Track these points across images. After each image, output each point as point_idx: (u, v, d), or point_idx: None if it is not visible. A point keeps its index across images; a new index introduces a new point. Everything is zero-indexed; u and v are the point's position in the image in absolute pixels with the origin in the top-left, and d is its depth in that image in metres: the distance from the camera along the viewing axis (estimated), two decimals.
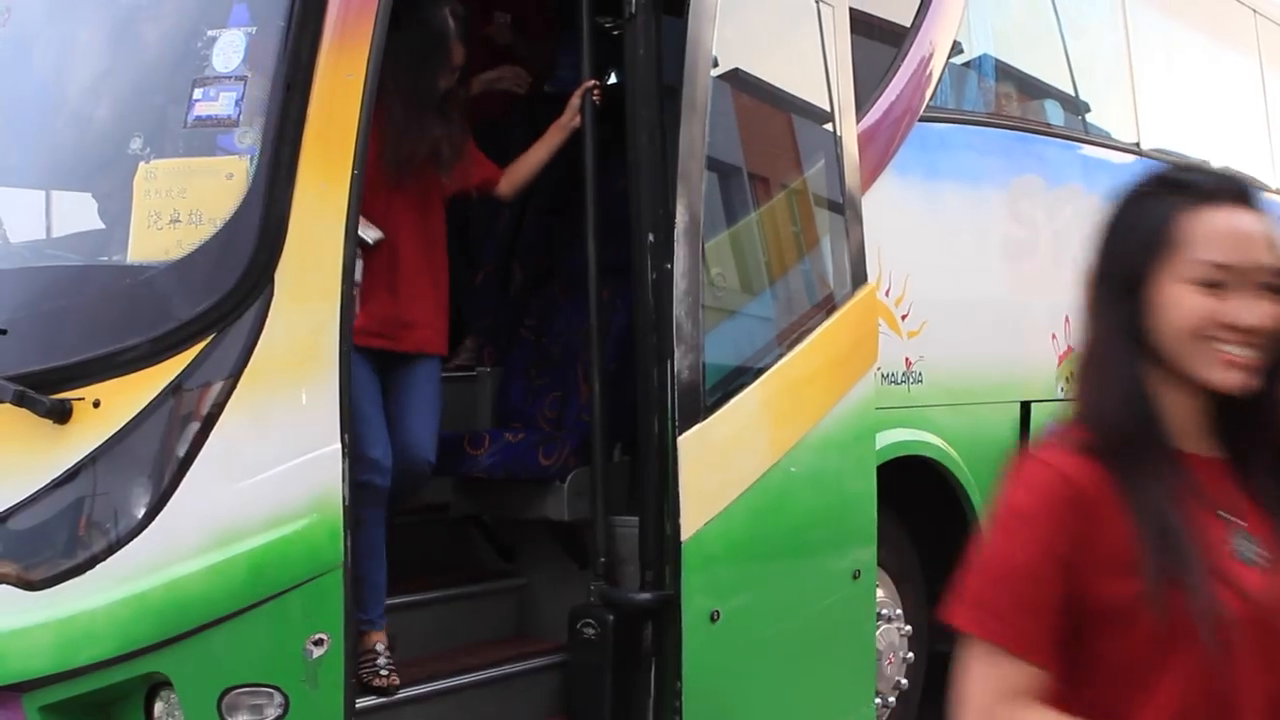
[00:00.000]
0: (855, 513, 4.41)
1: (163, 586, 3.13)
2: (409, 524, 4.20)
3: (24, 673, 3.21)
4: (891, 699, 4.84)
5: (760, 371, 4.10)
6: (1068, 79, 6.09)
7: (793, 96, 4.42)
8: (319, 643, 3.18)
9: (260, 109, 3.24)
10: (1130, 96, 6.43)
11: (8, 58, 3.93)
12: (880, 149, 4.77)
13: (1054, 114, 6.02)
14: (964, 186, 5.26)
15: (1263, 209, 1.74)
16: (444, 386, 4.17)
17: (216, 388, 3.18)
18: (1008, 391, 5.38)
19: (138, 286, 3.28)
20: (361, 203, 3.65)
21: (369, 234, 3.70)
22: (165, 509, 3.15)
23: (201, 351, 3.19)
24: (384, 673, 3.67)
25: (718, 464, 3.94)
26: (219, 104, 3.28)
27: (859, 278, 4.44)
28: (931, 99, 5.08)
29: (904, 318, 4.81)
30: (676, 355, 3.80)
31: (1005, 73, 5.74)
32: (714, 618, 3.89)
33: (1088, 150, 6.13)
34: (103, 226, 3.57)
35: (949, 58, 5.22)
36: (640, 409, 3.86)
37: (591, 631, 3.89)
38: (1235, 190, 1.72)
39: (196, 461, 3.16)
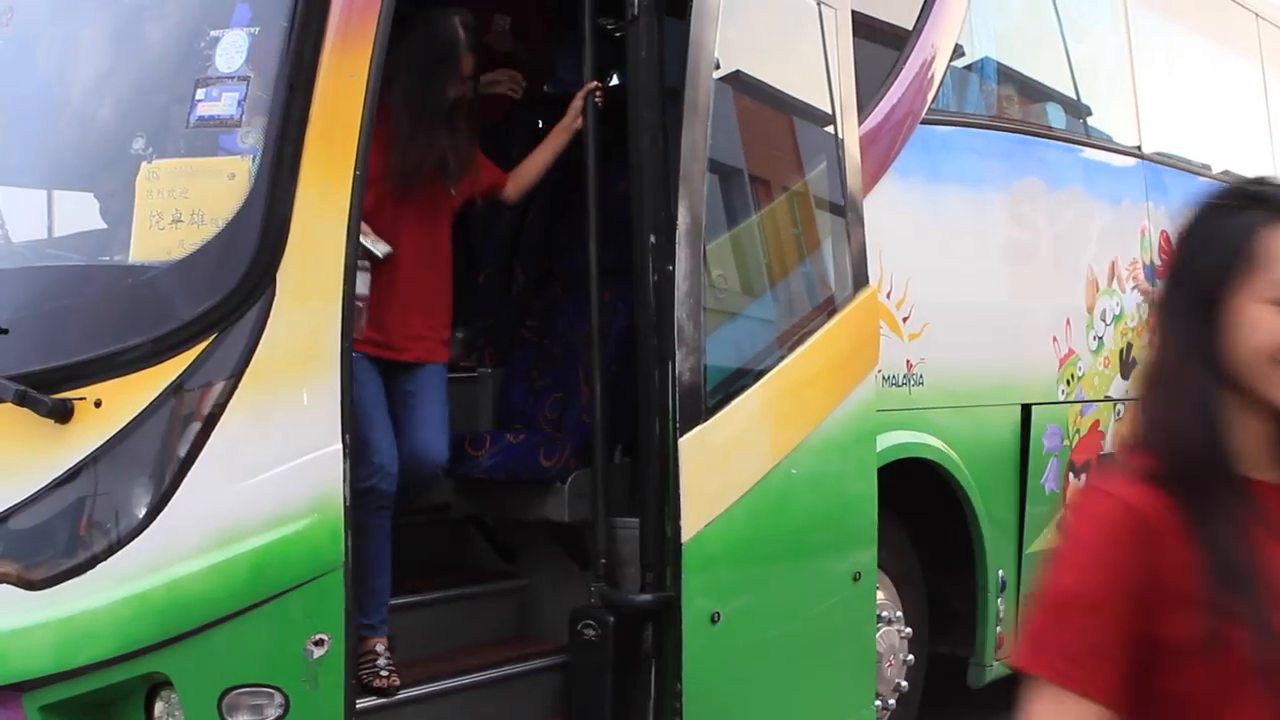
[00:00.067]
0: (856, 515, 4.41)
1: (163, 586, 3.13)
2: (410, 525, 4.20)
3: (24, 672, 3.20)
4: (891, 701, 4.84)
5: (761, 373, 4.11)
6: (1069, 82, 6.10)
7: (794, 99, 4.43)
8: (319, 643, 3.18)
9: (263, 109, 3.24)
10: (1132, 100, 6.43)
11: (10, 57, 3.93)
12: (882, 151, 4.77)
13: (1055, 117, 6.02)
14: (965, 189, 5.26)
15: None
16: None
17: (218, 388, 3.18)
18: (1008, 394, 5.38)
19: (139, 286, 3.29)
20: (369, 215, 3.68)
21: (378, 248, 3.70)
22: (166, 509, 3.15)
23: (203, 351, 3.19)
24: (384, 673, 3.67)
25: (719, 466, 3.94)
26: (221, 104, 3.28)
27: (860, 280, 4.44)
28: (933, 102, 5.08)
29: (905, 320, 4.81)
30: (678, 357, 3.80)
31: (1007, 76, 5.74)
32: (714, 619, 3.89)
33: (1089, 153, 6.13)
34: (105, 226, 3.57)
35: (951, 60, 5.22)
36: (641, 411, 3.87)
37: (592, 633, 3.89)
38: None
39: (198, 461, 3.17)
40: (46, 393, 3.19)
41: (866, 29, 4.71)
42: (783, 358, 4.18)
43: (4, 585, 3.24)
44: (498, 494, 4.40)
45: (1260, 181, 1.71)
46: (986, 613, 5.21)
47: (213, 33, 3.34)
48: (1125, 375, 6.07)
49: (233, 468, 3.19)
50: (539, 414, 4.62)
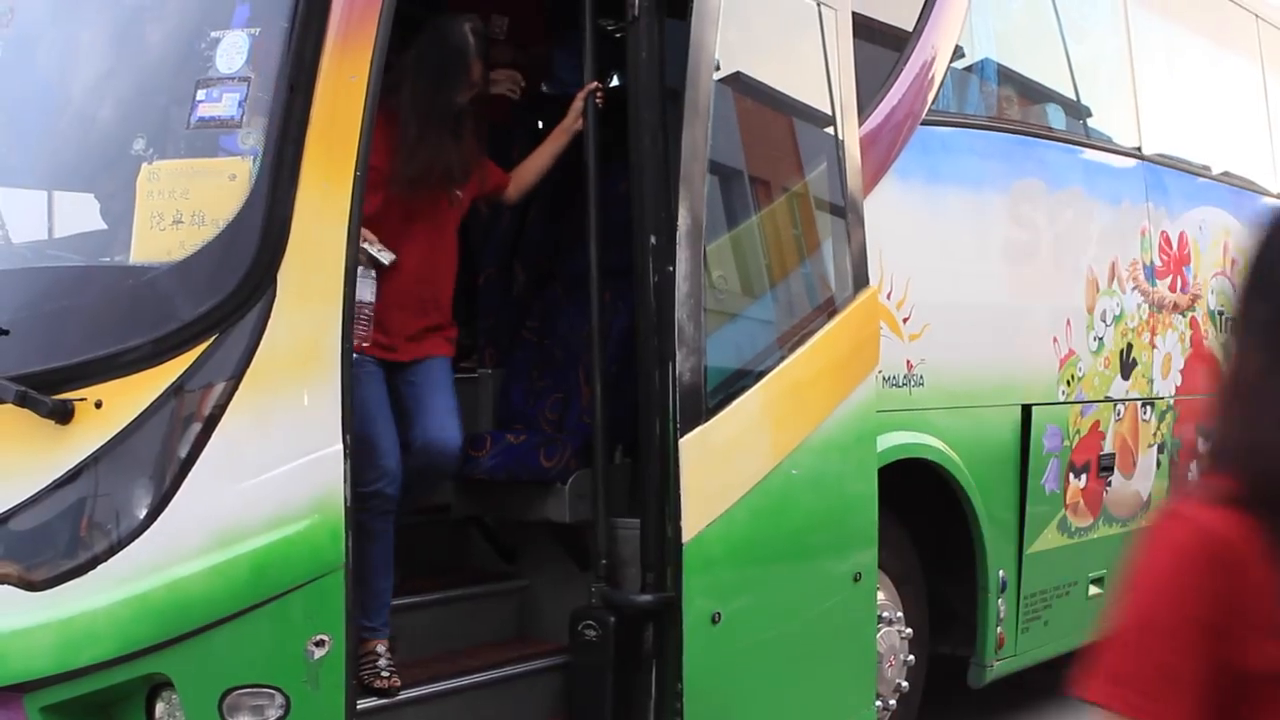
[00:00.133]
0: (856, 515, 4.41)
1: (164, 587, 3.13)
2: (410, 525, 4.20)
3: (25, 673, 3.20)
4: (892, 701, 4.84)
5: (762, 374, 4.11)
6: (1069, 83, 6.10)
7: (795, 100, 4.43)
8: (320, 644, 3.18)
9: (263, 110, 3.24)
10: (1132, 100, 6.43)
11: (11, 58, 3.93)
12: (882, 152, 4.78)
13: (1055, 118, 6.02)
14: (966, 190, 5.26)
15: None
16: None
17: (218, 388, 3.18)
18: (1009, 394, 5.38)
19: (140, 287, 3.29)
20: (375, 220, 3.68)
21: (383, 256, 3.70)
22: (167, 510, 3.15)
23: (204, 352, 3.19)
24: (385, 674, 3.67)
25: (719, 466, 3.94)
26: (222, 105, 3.28)
27: (860, 281, 4.44)
28: (933, 103, 5.09)
29: (905, 321, 4.81)
30: (678, 357, 3.81)
31: (1007, 77, 5.75)
32: (715, 620, 3.89)
33: (1089, 154, 6.13)
34: (105, 227, 3.57)
35: (951, 62, 5.22)
36: (642, 411, 3.87)
37: (593, 633, 3.90)
38: None
39: (198, 462, 3.16)
40: (47, 393, 3.19)
41: (867, 30, 4.72)
42: (783, 358, 4.18)
43: (5, 586, 3.23)
44: (498, 494, 4.40)
45: None
46: (987, 613, 5.21)
47: (213, 34, 3.34)
48: (1125, 375, 6.07)
49: (233, 468, 3.19)
50: (539, 414, 4.62)
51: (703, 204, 3.91)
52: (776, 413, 4.14)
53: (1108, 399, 5.93)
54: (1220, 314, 6.99)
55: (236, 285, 3.18)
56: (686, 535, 3.80)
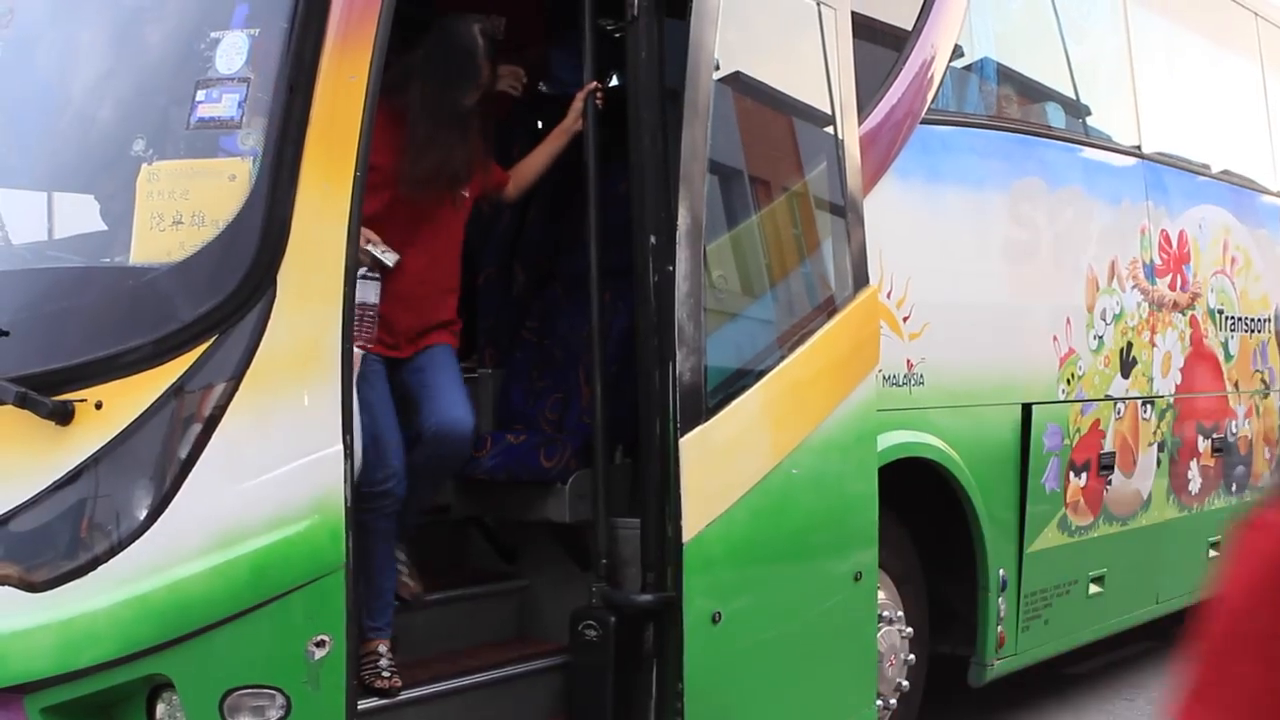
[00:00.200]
0: (856, 515, 4.41)
1: (165, 588, 3.12)
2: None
3: (26, 674, 3.20)
4: (893, 700, 4.84)
5: (762, 374, 4.11)
6: (1069, 82, 6.10)
7: (794, 99, 4.43)
8: (321, 644, 3.18)
9: (263, 110, 3.24)
10: (1131, 99, 6.44)
11: (10, 59, 3.93)
12: (882, 152, 4.78)
13: (1055, 117, 6.03)
14: (965, 189, 5.26)
15: None
16: None
17: (219, 389, 3.18)
18: (1009, 394, 5.38)
19: (140, 288, 3.28)
20: (381, 219, 3.68)
21: (387, 258, 3.70)
22: (167, 510, 3.15)
23: (204, 353, 3.19)
24: (386, 674, 3.67)
25: (719, 466, 3.94)
26: (222, 105, 3.28)
27: (860, 280, 4.44)
28: (933, 102, 5.09)
29: (905, 320, 4.81)
30: (678, 357, 3.81)
31: (1006, 76, 5.75)
32: (715, 619, 3.89)
33: (1089, 153, 6.13)
34: (105, 228, 3.57)
35: (950, 61, 5.22)
36: (642, 411, 3.87)
37: (593, 633, 3.90)
38: None
39: (198, 463, 3.16)
40: (47, 394, 3.19)
41: (866, 29, 4.72)
42: (783, 358, 4.18)
43: (5, 587, 3.23)
44: (498, 495, 4.40)
45: None
46: (987, 612, 5.21)
47: (213, 34, 3.34)
48: (1125, 374, 6.07)
49: (234, 469, 3.19)
50: (539, 415, 4.62)
51: (702, 204, 3.91)
52: (776, 412, 4.14)
53: (1108, 397, 5.93)
54: (1220, 312, 7.00)
55: (236, 286, 3.18)
56: (687, 535, 3.80)
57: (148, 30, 3.68)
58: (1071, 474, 5.68)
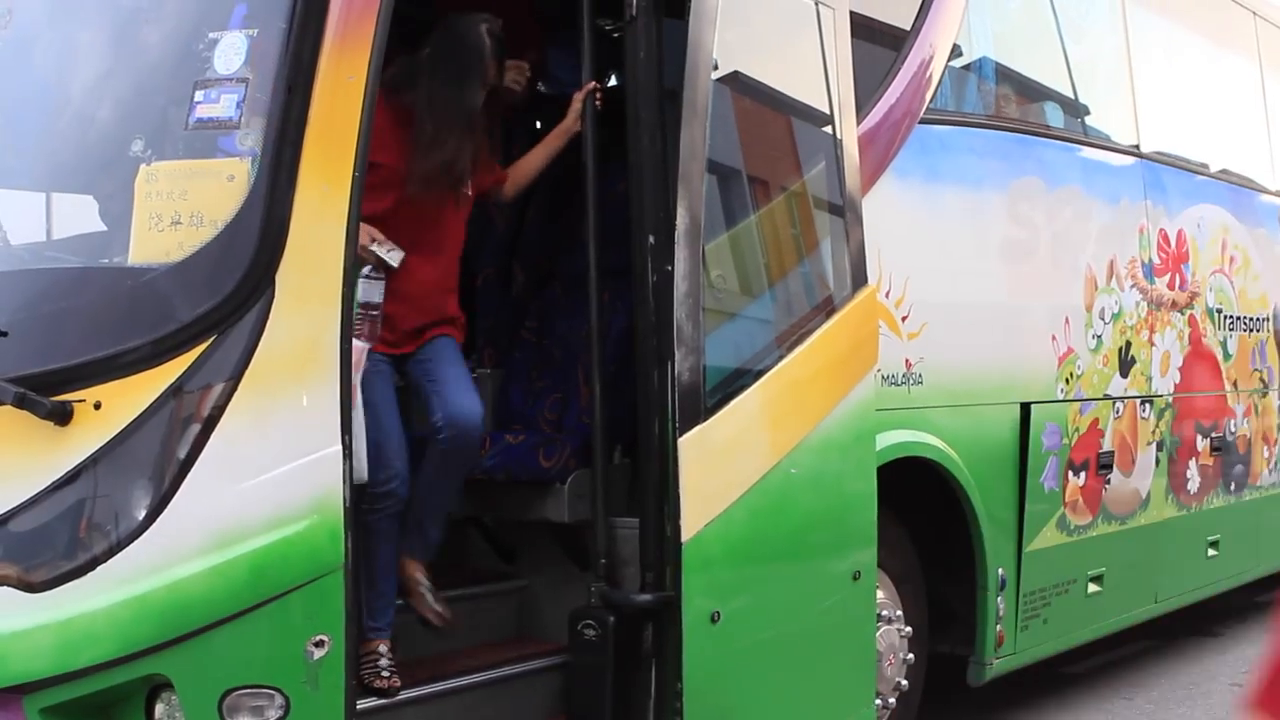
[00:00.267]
0: (855, 514, 4.41)
1: (164, 588, 3.13)
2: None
3: (25, 674, 3.20)
4: (892, 700, 4.84)
5: (760, 373, 4.11)
6: (1067, 81, 6.10)
7: (793, 99, 4.43)
8: (320, 644, 3.18)
9: (261, 111, 3.24)
10: (1130, 98, 6.44)
11: (9, 60, 3.93)
12: (880, 151, 4.78)
13: (1053, 116, 6.03)
14: (964, 188, 5.27)
15: None
16: None
17: (217, 389, 3.18)
18: (1008, 393, 5.38)
19: (139, 288, 3.29)
20: (385, 218, 3.68)
21: (392, 258, 3.70)
22: (166, 511, 3.15)
23: (202, 353, 3.19)
24: (385, 674, 3.67)
25: (718, 465, 3.94)
26: (220, 106, 3.28)
27: (859, 279, 4.44)
28: (931, 101, 5.09)
29: (904, 319, 4.82)
30: (677, 357, 3.81)
31: (1005, 75, 5.75)
32: (714, 619, 3.89)
33: (1087, 152, 6.14)
34: (104, 229, 3.57)
35: (949, 60, 5.23)
36: (641, 411, 3.87)
37: (592, 633, 3.90)
38: None
39: (197, 463, 3.16)
40: (46, 395, 3.19)
41: (865, 29, 4.72)
42: (782, 357, 4.18)
43: (4, 587, 3.23)
44: (497, 494, 4.40)
45: None
46: (986, 611, 5.21)
47: (211, 34, 3.34)
48: (1124, 373, 6.08)
49: (232, 469, 3.19)
50: (538, 414, 4.62)
51: (701, 203, 3.92)
52: (775, 412, 4.14)
53: (1106, 397, 5.93)
54: (1218, 311, 7.00)
55: (235, 286, 3.18)
56: (686, 534, 3.80)
57: (146, 31, 3.68)
58: (1070, 473, 5.68)
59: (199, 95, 3.31)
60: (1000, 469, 5.33)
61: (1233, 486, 7.17)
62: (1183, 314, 6.62)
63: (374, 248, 3.64)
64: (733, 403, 3.98)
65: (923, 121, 5.02)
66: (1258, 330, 7.45)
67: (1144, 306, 6.25)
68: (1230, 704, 6.09)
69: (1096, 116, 6.32)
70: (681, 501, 3.79)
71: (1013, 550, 5.36)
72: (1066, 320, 5.68)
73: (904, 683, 4.89)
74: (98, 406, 3.20)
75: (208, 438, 3.17)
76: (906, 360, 4.82)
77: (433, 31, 4.00)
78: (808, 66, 4.39)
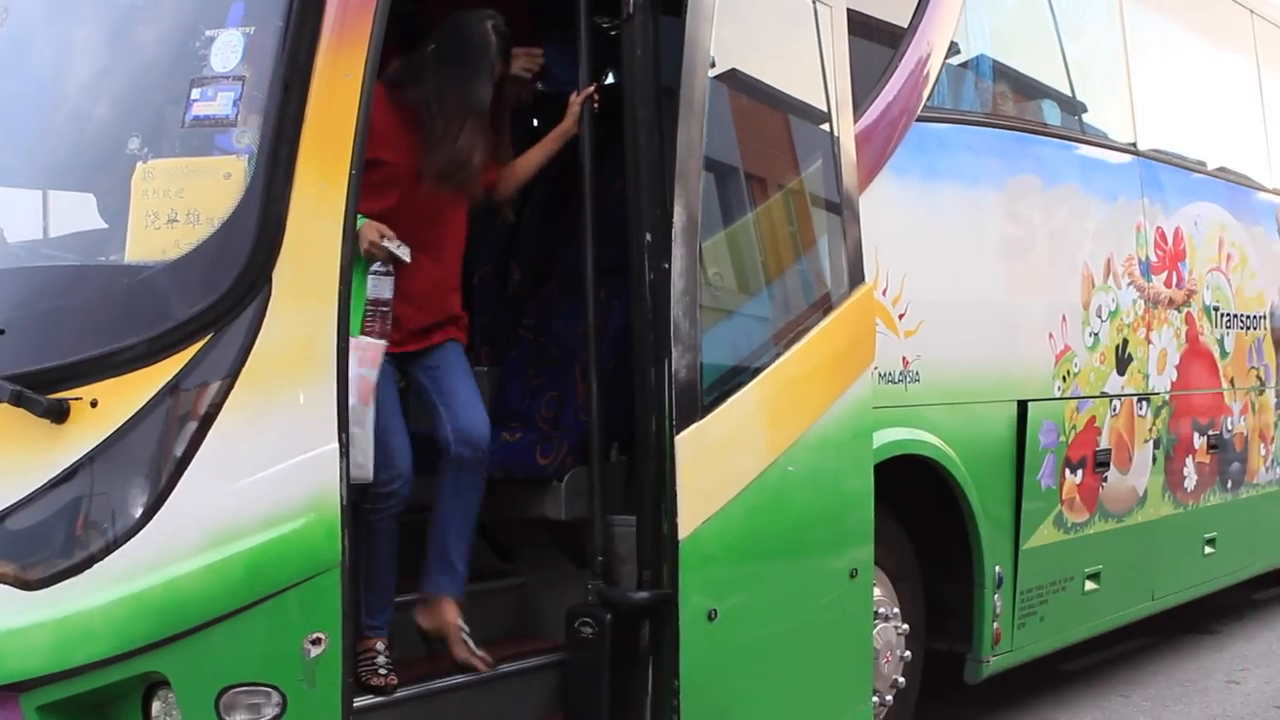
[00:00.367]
0: (852, 512, 4.42)
1: (160, 586, 3.12)
2: (408, 524, 4.20)
3: (21, 672, 3.20)
4: (889, 697, 4.85)
5: (758, 371, 4.11)
6: (1064, 79, 6.11)
7: (790, 97, 4.43)
8: (317, 642, 3.18)
9: (258, 109, 3.24)
10: (1127, 96, 6.44)
11: (5, 57, 3.93)
12: (877, 149, 4.78)
13: (1051, 114, 6.03)
14: (961, 186, 5.27)
15: None
16: None
17: (214, 387, 3.18)
18: (1005, 391, 5.39)
19: (135, 286, 3.28)
20: (391, 215, 3.68)
21: (402, 252, 3.69)
22: (163, 508, 3.15)
23: (199, 351, 3.19)
24: (382, 671, 3.67)
25: (715, 463, 3.94)
26: (217, 104, 3.28)
27: (856, 277, 4.44)
28: (929, 99, 5.09)
29: (901, 317, 4.82)
30: (674, 355, 3.81)
31: (1002, 73, 5.75)
32: (711, 616, 3.89)
33: (1084, 150, 6.14)
34: (100, 226, 3.56)
35: (946, 58, 5.23)
36: (638, 408, 3.87)
37: (589, 630, 3.90)
38: None
39: (194, 461, 3.16)
40: (42, 393, 3.19)
41: (862, 26, 4.72)
42: (779, 355, 4.18)
43: (1, 585, 3.23)
44: (494, 492, 4.38)
45: None
46: (983, 609, 5.22)
47: (208, 32, 3.34)
48: (1121, 371, 6.08)
49: (229, 467, 3.19)
50: (535, 412, 4.62)
51: (698, 201, 3.92)
52: (772, 409, 4.14)
53: (1103, 394, 5.94)
54: (1215, 309, 7.01)
55: (232, 284, 3.18)
56: (683, 532, 3.80)
57: (143, 28, 3.68)
58: (1067, 471, 5.68)
59: (196, 93, 3.31)
60: (997, 467, 5.33)
61: (1229, 484, 7.18)
62: (1180, 312, 6.62)
63: (385, 243, 3.63)
64: (730, 400, 3.98)
65: (920, 119, 5.02)
66: (1254, 328, 7.46)
67: (1141, 304, 6.25)
68: (1226, 701, 6.09)
69: (1094, 114, 6.32)
70: (678, 499, 3.79)
71: (1010, 548, 5.37)
72: (1064, 318, 5.68)
73: (901, 680, 4.90)
74: (94, 404, 3.20)
75: (204, 435, 3.17)
76: (904, 358, 4.83)
77: (435, 28, 3.99)
78: (805, 64, 4.39)
